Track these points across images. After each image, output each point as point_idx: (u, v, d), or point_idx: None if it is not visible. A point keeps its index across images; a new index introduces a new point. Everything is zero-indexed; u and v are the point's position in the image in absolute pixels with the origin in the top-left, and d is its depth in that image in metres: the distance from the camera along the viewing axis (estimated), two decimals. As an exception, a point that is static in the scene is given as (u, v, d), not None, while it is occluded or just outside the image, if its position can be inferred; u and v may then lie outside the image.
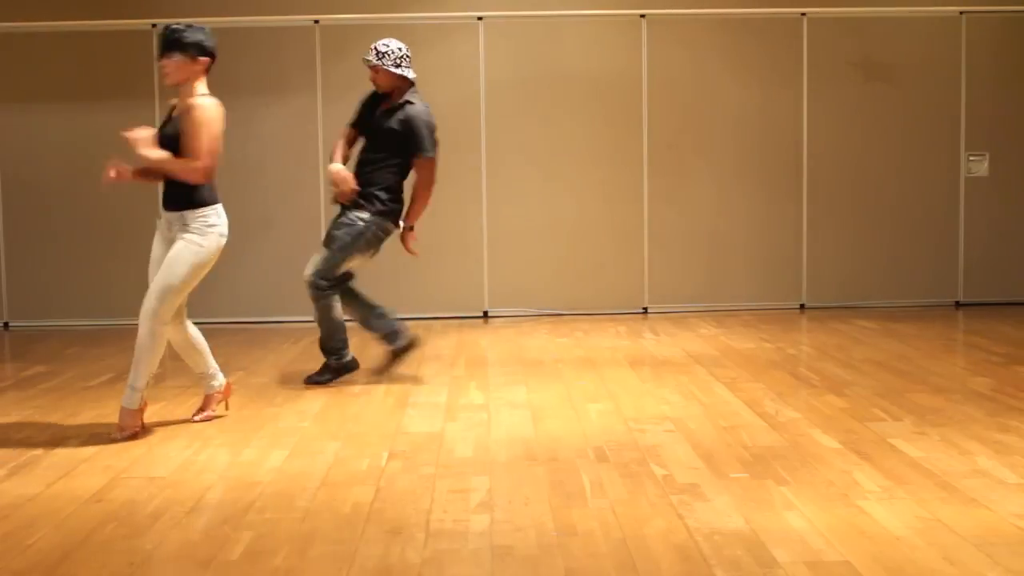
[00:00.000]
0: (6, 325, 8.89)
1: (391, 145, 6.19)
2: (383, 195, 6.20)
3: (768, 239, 8.99)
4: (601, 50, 8.85)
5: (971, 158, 9.02)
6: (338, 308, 6.19)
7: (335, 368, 6.26)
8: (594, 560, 3.35)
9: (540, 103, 8.84)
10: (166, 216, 5.18)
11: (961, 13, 8.93)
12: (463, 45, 8.81)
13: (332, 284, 6.16)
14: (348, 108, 8.90)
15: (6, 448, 4.88)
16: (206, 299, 8.89)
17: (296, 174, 8.87)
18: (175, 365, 7.08)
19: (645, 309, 8.94)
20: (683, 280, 8.99)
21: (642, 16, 8.82)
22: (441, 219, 8.85)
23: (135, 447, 4.84)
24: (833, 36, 8.92)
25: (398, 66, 6.14)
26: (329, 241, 6.23)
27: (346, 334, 6.24)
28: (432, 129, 6.20)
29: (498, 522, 3.71)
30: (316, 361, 7.07)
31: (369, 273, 8.96)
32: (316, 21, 8.79)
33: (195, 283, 5.13)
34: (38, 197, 8.87)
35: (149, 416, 5.47)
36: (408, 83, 6.22)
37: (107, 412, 5.57)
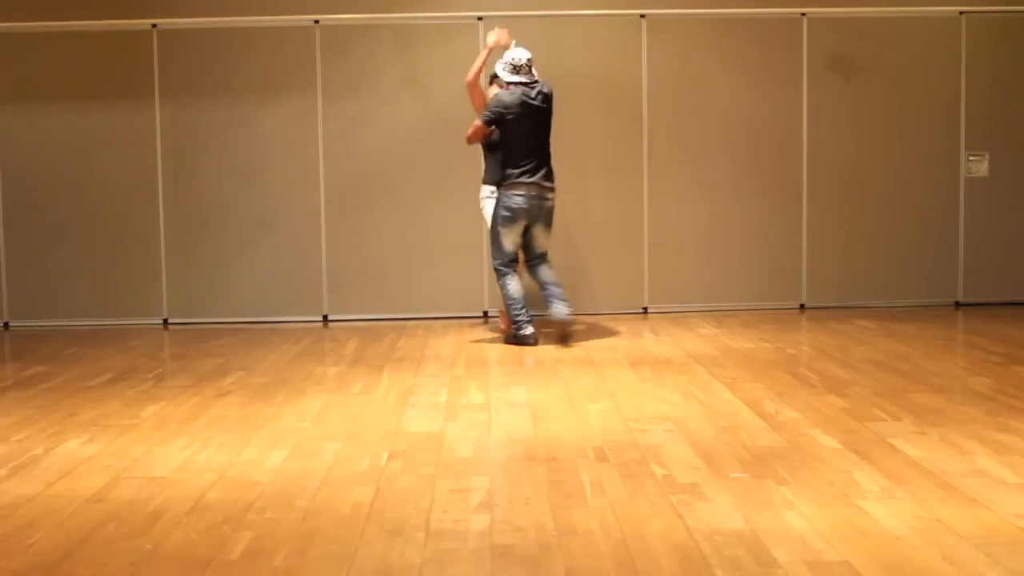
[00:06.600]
0: (6, 325, 8.90)
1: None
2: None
3: (768, 239, 8.99)
4: (601, 50, 8.85)
5: (971, 158, 9.02)
6: (510, 284, 7.41)
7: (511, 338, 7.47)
8: (594, 560, 3.35)
9: (540, 103, 8.83)
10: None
11: (961, 13, 8.94)
12: (463, 45, 8.81)
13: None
14: (348, 108, 8.99)
15: (6, 448, 4.88)
16: (206, 299, 8.93)
17: (296, 174, 8.87)
18: (175, 365, 7.09)
19: (645, 309, 8.94)
20: (683, 280, 8.99)
21: (642, 16, 8.83)
22: (441, 219, 8.86)
23: (135, 447, 4.84)
24: (833, 36, 8.92)
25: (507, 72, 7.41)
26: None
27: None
28: (493, 104, 7.37)
29: (498, 522, 3.71)
30: (317, 361, 7.08)
31: (371, 272, 8.99)
32: (316, 21, 8.80)
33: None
34: (38, 197, 8.87)
35: (149, 416, 5.48)
36: (505, 85, 7.44)
37: (107, 412, 5.58)
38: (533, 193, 7.31)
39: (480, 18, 8.78)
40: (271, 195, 8.87)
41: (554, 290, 7.40)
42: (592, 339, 7.66)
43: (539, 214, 7.36)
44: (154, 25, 8.77)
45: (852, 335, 7.58)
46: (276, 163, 8.88)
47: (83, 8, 8.77)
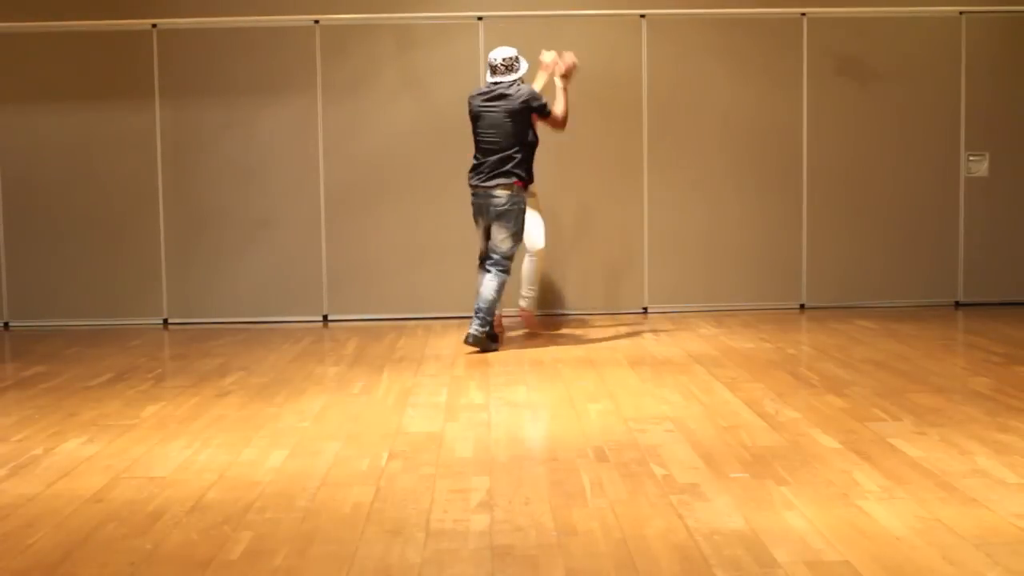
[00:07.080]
0: (6, 325, 8.90)
1: None
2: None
3: (768, 239, 8.99)
4: (601, 50, 8.84)
5: (971, 158, 9.02)
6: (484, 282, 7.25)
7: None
8: (594, 560, 3.35)
9: (540, 103, 8.83)
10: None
11: (961, 13, 8.94)
12: (463, 45, 8.81)
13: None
14: (348, 108, 8.99)
15: (6, 448, 4.88)
16: (206, 299, 8.93)
17: (296, 174, 8.87)
18: (175, 365, 7.09)
19: (645, 309, 8.95)
20: (683, 280, 8.99)
21: (642, 16, 8.83)
22: (441, 219, 8.86)
23: (135, 447, 4.84)
24: (833, 36, 8.92)
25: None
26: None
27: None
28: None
29: (498, 522, 3.71)
30: (317, 361, 7.08)
31: (371, 272, 8.99)
32: (316, 21, 8.80)
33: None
34: (38, 197, 8.87)
35: (149, 416, 5.48)
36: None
37: (107, 412, 5.58)
38: (480, 193, 7.27)
39: (480, 18, 8.79)
40: (271, 195, 8.87)
41: (477, 310, 7.13)
42: (592, 339, 7.66)
43: (490, 214, 7.24)
44: (154, 25, 8.77)
45: (852, 335, 7.58)
46: (276, 163, 8.88)
47: (83, 8, 8.76)
